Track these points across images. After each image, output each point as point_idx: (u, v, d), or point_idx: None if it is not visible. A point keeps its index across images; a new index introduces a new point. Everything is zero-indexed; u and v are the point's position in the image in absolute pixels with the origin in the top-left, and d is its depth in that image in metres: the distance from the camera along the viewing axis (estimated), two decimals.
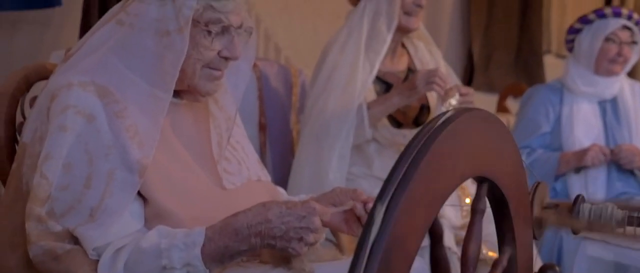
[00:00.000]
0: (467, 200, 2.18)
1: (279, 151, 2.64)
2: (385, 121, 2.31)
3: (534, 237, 1.03)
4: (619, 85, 2.72)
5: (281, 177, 2.47)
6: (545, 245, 2.51)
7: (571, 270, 2.46)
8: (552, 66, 4.65)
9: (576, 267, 2.45)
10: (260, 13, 3.19)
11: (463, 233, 1.37)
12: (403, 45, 2.43)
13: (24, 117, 1.40)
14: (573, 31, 2.74)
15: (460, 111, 0.87)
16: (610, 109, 2.73)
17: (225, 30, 1.30)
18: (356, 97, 2.25)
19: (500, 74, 4.48)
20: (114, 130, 1.22)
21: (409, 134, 2.28)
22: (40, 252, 1.18)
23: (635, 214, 1.01)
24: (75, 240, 1.20)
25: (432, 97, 2.33)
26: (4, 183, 1.34)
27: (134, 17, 1.27)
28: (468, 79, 4.38)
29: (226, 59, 1.32)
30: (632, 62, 2.70)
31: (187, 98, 1.36)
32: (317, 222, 1.20)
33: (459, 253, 0.94)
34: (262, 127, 2.60)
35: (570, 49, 2.78)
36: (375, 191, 0.80)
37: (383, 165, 2.28)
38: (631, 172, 2.65)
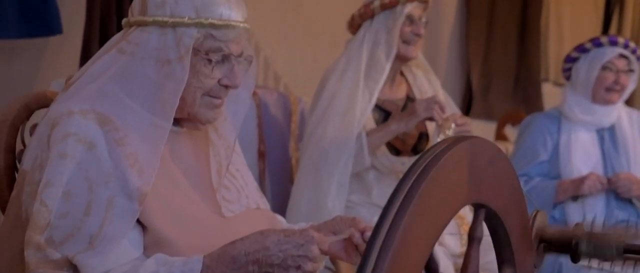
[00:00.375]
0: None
1: (278, 179, 2.64)
2: (384, 149, 2.31)
3: (534, 265, 1.03)
4: (617, 113, 2.73)
5: (280, 205, 2.47)
6: (544, 272, 2.50)
7: None
8: (550, 94, 4.68)
9: None
10: (260, 41, 3.21)
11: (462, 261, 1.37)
12: (402, 74, 2.45)
13: (24, 145, 1.40)
14: (570, 60, 2.76)
15: (459, 139, 0.87)
16: (608, 137, 2.74)
17: (225, 58, 1.31)
18: (355, 125, 2.26)
19: (499, 102, 4.50)
20: (114, 158, 1.23)
21: (407, 161, 2.29)
22: None
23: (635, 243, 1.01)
24: (74, 268, 1.19)
25: (431, 126, 2.34)
26: (4, 210, 1.34)
27: (135, 46, 1.28)
28: (467, 107, 4.40)
29: (226, 87, 1.32)
30: (629, 90, 2.72)
31: (187, 126, 1.36)
32: (315, 250, 1.20)
33: None
34: (261, 155, 2.60)
35: (568, 78, 2.79)
36: (375, 218, 0.81)
37: (382, 192, 2.29)
38: (629, 200, 2.65)
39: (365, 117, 2.29)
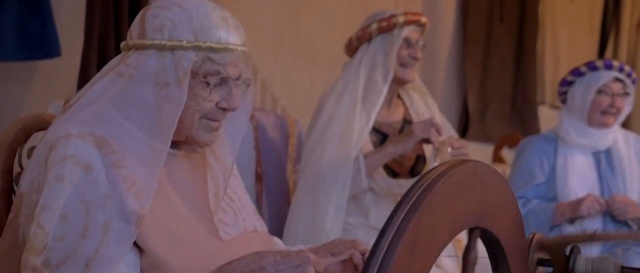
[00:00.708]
0: None
1: (276, 201, 2.64)
2: (382, 171, 2.31)
3: None
4: (613, 136, 2.74)
5: (277, 227, 2.46)
6: None
7: None
8: (546, 117, 4.69)
9: None
10: (258, 64, 3.23)
11: None
12: (399, 96, 2.45)
13: (22, 167, 1.40)
14: (565, 83, 2.77)
15: (457, 163, 0.88)
16: (604, 159, 2.74)
17: (223, 81, 1.31)
18: (353, 147, 2.26)
19: (496, 125, 4.51)
20: (112, 181, 1.23)
21: (405, 183, 2.29)
22: None
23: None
24: None
25: (428, 148, 2.35)
26: (1, 233, 1.33)
27: (134, 69, 1.29)
28: (463, 130, 4.41)
29: (224, 110, 1.33)
30: (625, 113, 2.72)
31: (184, 148, 1.37)
32: (311, 271, 1.20)
33: None
34: (258, 177, 2.60)
35: (564, 101, 2.80)
36: (372, 241, 0.81)
37: (379, 215, 2.28)
38: (626, 223, 2.65)
39: (362, 139, 2.29)
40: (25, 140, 1.43)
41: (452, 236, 0.87)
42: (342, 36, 2.48)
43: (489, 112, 4.54)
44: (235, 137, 1.45)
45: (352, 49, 2.40)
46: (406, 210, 0.80)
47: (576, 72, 2.73)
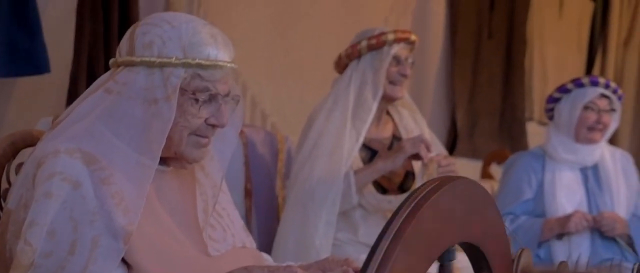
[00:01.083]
0: None
1: (265, 217, 2.63)
2: (371, 187, 2.32)
3: None
4: (600, 152, 2.76)
5: (266, 243, 2.46)
6: None
7: None
8: (534, 133, 4.71)
9: None
10: (247, 80, 3.23)
11: None
12: (388, 113, 2.47)
13: (10, 184, 1.40)
14: (552, 100, 2.79)
15: (445, 180, 0.88)
16: (592, 175, 2.76)
17: (212, 98, 1.31)
18: (343, 163, 2.27)
19: (484, 141, 4.53)
20: (100, 197, 1.22)
21: (394, 199, 2.29)
22: None
23: None
24: None
25: (417, 165, 2.36)
26: None
27: (123, 86, 1.29)
28: (452, 146, 4.42)
29: (213, 126, 1.33)
30: (611, 129, 2.74)
31: (173, 165, 1.37)
32: None
33: None
34: (247, 193, 2.60)
35: (551, 118, 2.82)
36: (361, 257, 0.81)
37: (369, 231, 2.29)
38: (614, 239, 2.66)
39: (352, 156, 2.30)
40: (14, 156, 1.43)
41: (440, 252, 0.87)
42: (331, 53, 2.49)
43: (477, 129, 4.56)
44: (225, 153, 1.45)
45: (341, 65, 2.41)
46: (397, 227, 0.80)
47: (563, 89, 2.75)
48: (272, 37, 3.46)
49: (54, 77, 2.56)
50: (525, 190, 2.74)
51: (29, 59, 2.43)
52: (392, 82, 2.34)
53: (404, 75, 2.34)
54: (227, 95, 1.34)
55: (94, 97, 1.31)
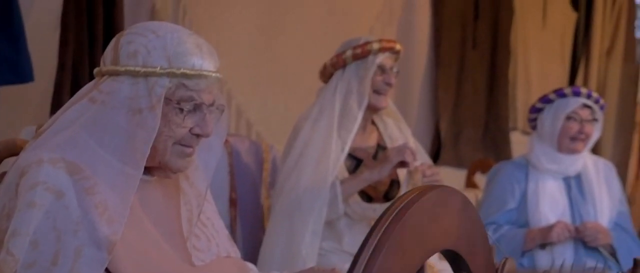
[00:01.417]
0: None
1: (249, 226, 2.63)
2: (356, 196, 2.32)
3: None
4: (583, 162, 2.78)
5: (251, 252, 2.45)
6: None
7: None
8: (518, 142, 4.74)
9: None
10: (232, 89, 3.23)
11: None
12: (373, 122, 2.47)
13: None
14: (535, 110, 2.80)
15: (428, 188, 0.89)
16: (574, 185, 2.77)
17: (197, 107, 1.31)
18: (329, 173, 2.27)
19: (468, 150, 4.55)
20: (83, 207, 1.22)
21: (379, 208, 2.30)
22: None
23: None
24: None
25: (402, 173, 2.36)
26: None
27: (107, 95, 1.29)
28: (436, 155, 4.44)
29: (198, 136, 1.33)
30: (593, 139, 2.76)
31: (157, 174, 1.36)
32: None
33: None
34: (232, 202, 2.59)
35: (534, 128, 2.83)
36: (346, 266, 0.81)
37: (353, 240, 2.29)
38: (597, 249, 2.67)
39: (338, 166, 2.30)
40: None
41: (424, 260, 0.88)
42: (317, 62, 2.50)
43: (461, 138, 4.58)
44: (209, 162, 1.45)
45: (326, 75, 2.42)
46: (380, 235, 0.81)
47: (545, 99, 2.77)
48: (257, 46, 3.46)
49: (38, 86, 2.55)
50: (509, 200, 2.75)
51: (12, 67, 2.41)
52: (376, 91, 2.35)
53: (389, 85, 2.35)
54: (211, 104, 1.34)
55: (78, 106, 1.30)
